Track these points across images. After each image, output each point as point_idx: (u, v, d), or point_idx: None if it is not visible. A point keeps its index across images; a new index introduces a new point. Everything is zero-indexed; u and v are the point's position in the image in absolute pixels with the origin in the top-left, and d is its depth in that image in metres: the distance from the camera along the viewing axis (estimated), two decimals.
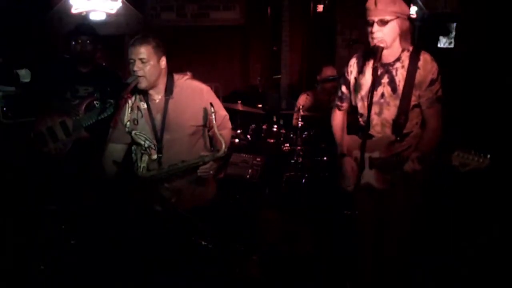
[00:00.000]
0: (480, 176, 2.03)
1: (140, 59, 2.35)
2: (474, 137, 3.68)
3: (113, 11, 6.56)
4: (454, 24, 5.12)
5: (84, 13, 6.41)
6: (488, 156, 1.99)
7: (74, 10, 6.35)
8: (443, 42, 5.27)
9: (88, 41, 3.29)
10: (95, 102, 3.17)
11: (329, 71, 4.61)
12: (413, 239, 2.53)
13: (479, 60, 4.46)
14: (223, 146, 2.36)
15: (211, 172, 2.44)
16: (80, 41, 3.28)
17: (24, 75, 4.54)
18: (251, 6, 7.17)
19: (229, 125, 2.75)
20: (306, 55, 6.81)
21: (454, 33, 5.14)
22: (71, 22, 6.49)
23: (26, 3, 5.93)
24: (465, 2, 4.92)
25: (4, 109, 4.31)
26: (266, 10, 7.18)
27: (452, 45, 5.15)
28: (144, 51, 2.35)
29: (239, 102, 4.51)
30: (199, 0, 7.10)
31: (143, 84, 2.42)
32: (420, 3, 5.74)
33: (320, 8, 6.68)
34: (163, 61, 2.45)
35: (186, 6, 7.14)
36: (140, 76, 2.39)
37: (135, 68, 2.37)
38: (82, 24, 3.50)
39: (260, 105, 5.52)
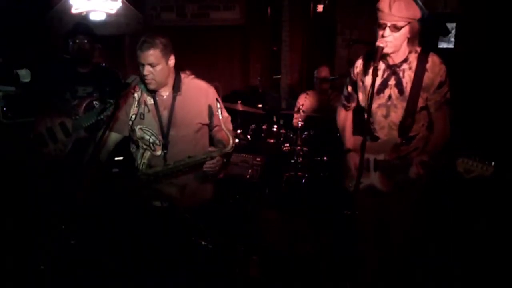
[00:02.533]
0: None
1: (150, 63, 2.37)
2: (474, 138, 3.68)
3: (113, 11, 6.55)
4: (454, 24, 5.12)
5: (84, 13, 6.40)
6: (493, 163, 1.98)
7: (74, 10, 6.34)
8: (442, 42, 5.27)
9: (86, 41, 3.26)
10: (94, 102, 3.16)
11: (323, 72, 4.62)
12: (414, 239, 2.53)
13: (479, 60, 4.46)
14: (231, 141, 2.37)
15: (217, 168, 2.44)
16: (77, 41, 3.25)
17: (24, 75, 4.53)
18: (251, 6, 7.16)
19: (230, 126, 2.76)
20: (306, 55, 6.81)
21: (454, 33, 5.13)
22: (71, 22, 6.48)
23: (26, 3, 5.93)
24: (465, 2, 4.92)
25: (4, 109, 4.31)
26: (266, 10, 7.18)
27: (452, 45, 5.15)
28: (152, 56, 2.35)
29: (239, 102, 4.51)
30: (199, 0, 7.10)
31: (152, 86, 2.45)
32: (420, 3, 5.72)
33: (320, 8, 6.67)
34: (172, 60, 2.45)
35: (186, 6, 7.14)
36: (150, 80, 2.41)
37: (145, 73, 2.38)
38: (80, 24, 3.48)
39: (260, 105, 5.52)
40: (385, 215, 2.50)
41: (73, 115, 3.09)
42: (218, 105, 2.45)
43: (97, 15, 6.45)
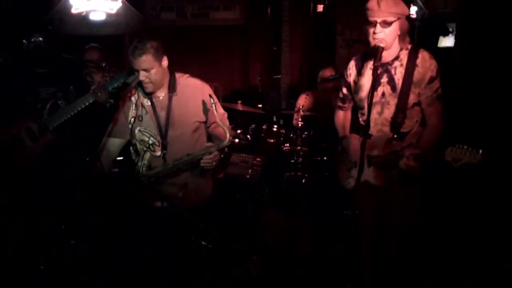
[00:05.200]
0: (475, 174, 2.04)
1: (144, 69, 2.38)
2: (474, 137, 3.68)
3: (113, 11, 6.56)
4: (454, 24, 5.12)
5: (84, 13, 6.41)
6: (480, 151, 2.00)
7: (74, 10, 6.35)
8: (443, 42, 5.27)
9: (41, 39, 3.08)
10: (59, 102, 3.04)
11: (328, 72, 4.61)
12: (413, 238, 2.53)
13: (479, 60, 4.46)
14: (227, 135, 2.38)
15: (214, 163, 2.45)
16: (32, 40, 3.07)
17: None
18: (251, 6, 7.17)
19: (227, 123, 2.76)
20: (306, 55, 6.82)
21: (454, 33, 5.13)
22: (71, 22, 6.50)
23: (26, 3, 5.93)
24: (464, 2, 4.92)
25: None
26: (266, 10, 7.18)
27: (452, 45, 5.16)
28: (145, 62, 2.37)
29: (239, 102, 4.51)
30: (199, 0, 7.11)
31: (150, 89, 2.47)
32: (420, 3, 5.73)
33: (320, 8, 6.68)
34: (165, 61, 2.47)
35: (186, 6, 7.14)
36: (147, 83, 2.43)
37: (141, 78, 2.40)
38: (35, 22, 3.34)
39: (260, 105, 5.52)
40: (384, 215, 2.51)
41: (38, 118, 2.90)
42: (212, 100, 2.44)
43: (97, 15, 6.46)
